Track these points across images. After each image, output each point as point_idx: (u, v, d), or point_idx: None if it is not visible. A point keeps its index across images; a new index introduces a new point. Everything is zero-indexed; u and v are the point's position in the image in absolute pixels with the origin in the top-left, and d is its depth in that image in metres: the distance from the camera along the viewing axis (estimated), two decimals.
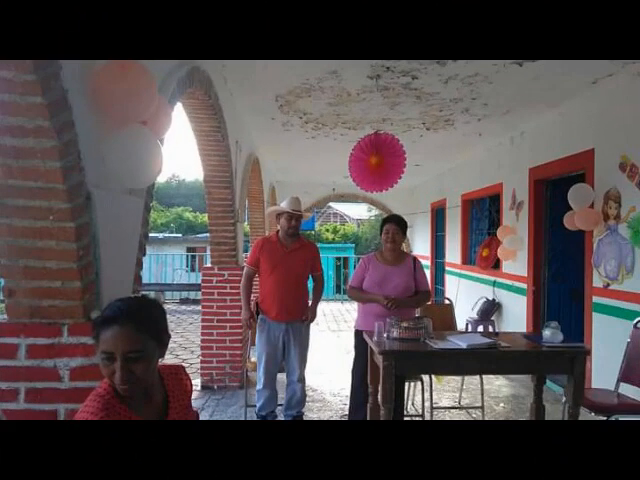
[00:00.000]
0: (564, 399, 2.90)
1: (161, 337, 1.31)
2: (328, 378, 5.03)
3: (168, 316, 1.41)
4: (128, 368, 1.21)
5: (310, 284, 3.71)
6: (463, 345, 2.66)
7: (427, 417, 3.67)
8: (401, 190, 10.05)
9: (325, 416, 3.98)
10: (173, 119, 2.11)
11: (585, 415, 2.86)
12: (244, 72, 3.75)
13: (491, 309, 5.99)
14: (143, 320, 1.26)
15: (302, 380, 3.62)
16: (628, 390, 3.06)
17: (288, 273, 3.51)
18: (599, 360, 3.84)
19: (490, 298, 6.12)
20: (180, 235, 22.74)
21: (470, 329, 5.86)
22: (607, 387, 3.22)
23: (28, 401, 1.68)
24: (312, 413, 4.02)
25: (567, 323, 4.55)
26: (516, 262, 5.49)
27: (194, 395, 4.21)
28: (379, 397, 2.70)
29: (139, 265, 2.20)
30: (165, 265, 13.88)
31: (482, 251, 6.44)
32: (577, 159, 4.26)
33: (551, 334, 2.77)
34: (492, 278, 6.24)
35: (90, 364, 1.68)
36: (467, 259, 7.51)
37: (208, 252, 5.78)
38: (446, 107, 4.60)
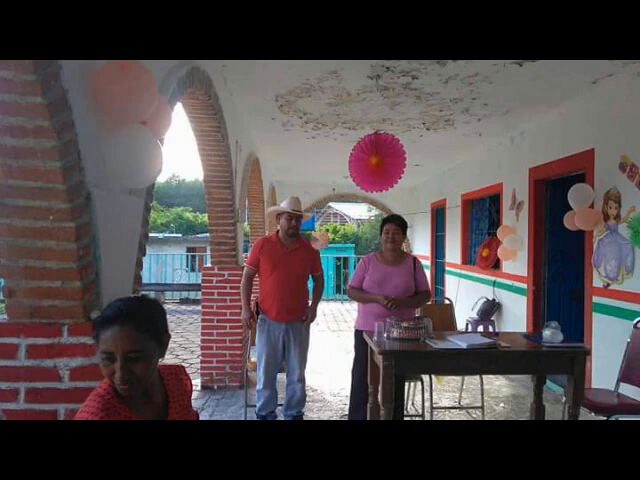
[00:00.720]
0: (564, 399, 2.90)
1: (161, 337, 1.32)
2: (328, 378, 5.03)
3: (168, 316, 1.41)
4: (128, 368, 1.21)
5: (310, 284, 3.71)
6: (463, 345, 2.66)
7: (427, 417, 3.67)
8: (401, 190, 10.06)
9: (325, 416, 3.98)
10: (173, 119, 2.12)
11: (585, 415, 2.86)
12: (244, 72, 3.75)
13: (491, 309, 5.99)
14: (143, 320, 1.26)
15: (302, 380, 3.62)
16: (628, 390, 3.06)
17: (288, 273, 3.51)
18: (599, 360, 3.84)
19: (490, 298, 6.12)
20: (180, 235, 22.76)
21: (470, 329, 5.86)
22: (607, 387, 3.22)
23: (28, 401, 1.68)
24: (312, 413, 4.02)
25: (567, 323, 4.56)
26: (516, 262, 5.49)
27: (194, 395, 4.21)
28: (379, 397, 2.70)
29: (139, 265, 2.20)
30: (165, 265, 13.89)
31: (482, 251, 6.44)
32: (577, 159, 4.26)
33: (551, 334, 2.77)
34: (492, 278, 6.24)
35: (90, 364, 1.68)
36: (467, 259, 7.51)
37: (208, 252, 5.78)
38: (446, 107, 4.60)
